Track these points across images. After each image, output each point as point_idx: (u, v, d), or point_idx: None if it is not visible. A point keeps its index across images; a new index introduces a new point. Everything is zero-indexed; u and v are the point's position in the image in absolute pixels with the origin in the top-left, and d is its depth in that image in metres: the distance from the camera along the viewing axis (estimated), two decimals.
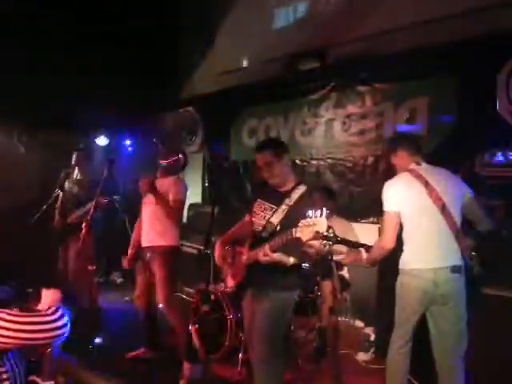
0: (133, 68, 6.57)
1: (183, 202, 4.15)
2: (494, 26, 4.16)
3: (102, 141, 6.66)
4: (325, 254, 3.89)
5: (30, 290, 6.00)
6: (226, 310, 4.33)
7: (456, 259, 3.04)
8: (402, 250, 3.21)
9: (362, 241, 4.80)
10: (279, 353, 2.98)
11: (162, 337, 4.40)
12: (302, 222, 2.53)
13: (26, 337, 1.93)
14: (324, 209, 2.53)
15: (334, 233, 3.34)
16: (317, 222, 2.50)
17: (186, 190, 4.20)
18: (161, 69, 7.34)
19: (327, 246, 4.05)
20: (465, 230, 3.13)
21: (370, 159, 5.47)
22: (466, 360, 3.09)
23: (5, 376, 1.89)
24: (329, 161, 5.86)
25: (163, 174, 4.21)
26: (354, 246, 3.60)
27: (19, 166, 6.77)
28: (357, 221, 5.21)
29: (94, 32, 6.10)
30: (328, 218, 2.48)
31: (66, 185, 5.30)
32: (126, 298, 5.98)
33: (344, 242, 3.47)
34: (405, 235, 3.18)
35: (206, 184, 7.50)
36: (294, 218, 2.75)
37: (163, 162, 4.18)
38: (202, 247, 5.60)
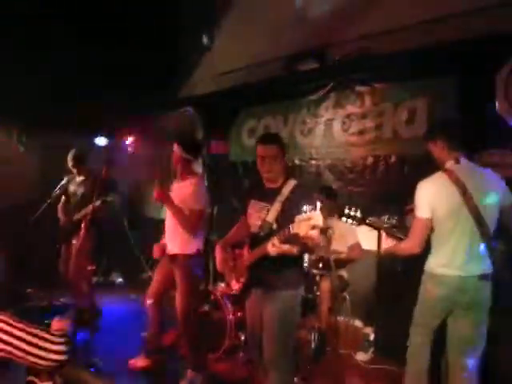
0: (132, 68, 6.56)
1: (202, 212, 3.87)
2: (493, 26, 4.15)
3: (101, 141, 6.66)
4: (323, 245, 3.95)
5: (30, 290, 6.04)
6: (226, 310, 4.34)
7: (485, 267, 2.95)
8: (429, 253, 3.14)
9: (363, 241, 4.83)
10: (291, 351, 2.99)
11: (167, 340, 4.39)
12: (298, 218, 2.55)
13: (26, 349, 1.84)
14: (318, 202, 2.56)
15: (358, 217, 3.40)
16: (312, 216, 2.52)
17: (205, 196, 3.95)
18: (160, 69, 7.34)
19: (329, 234, 4.11)
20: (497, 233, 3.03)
21: (370, 159, 5.47)
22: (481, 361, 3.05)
23: None
24: (328, 161, 5.86)
25: (181, 177, 4.00)
26: (376, 227, 3.52)
27: (19, 166, 6.77)
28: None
29: (94, 32, 6.10)
30: (325, 213, 2.50)
31: (71, 188, 5.32)
32: (133, 296, 5.89)
33: (368, 223, 3.46)
34: (435, 239, 3.08)
35: (206, 184, 7.50)
36: (288, 213, 2.80)
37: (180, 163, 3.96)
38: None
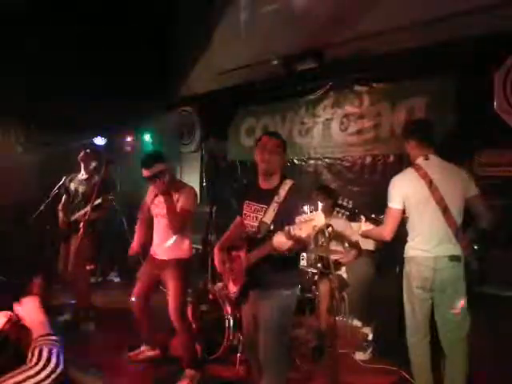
0: (131, 68, 6.56)
1: (191, 213, 3.94)
2: (491, 26, 4.16)
3: (99, 141, 6.65)
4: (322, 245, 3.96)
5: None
6: (224, 310, 4.34)
7: (454, 250, 3.26)
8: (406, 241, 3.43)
9: (361, 240, 4.83)
10: (285, 351, 3.00)
11: (161, 336, 4.39)
12: (299, 219, 2.51)
13: None
14: (319, 202, 2.53)
15: (349, 207, 3.50)
16: (313, 216, 2.49)
17: (195, 200, 4.02)
18: (159, 69, 7.34)
19: (328, 234, 4.11)
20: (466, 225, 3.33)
21: (368, 159, 5.48)
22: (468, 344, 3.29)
23: None
24: (326, 160, 5.87)
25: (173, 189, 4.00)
26: (369, 219, 3.68)
27: (18, 166, 6.76)
28: (354, 220, 5.20)
29: (93, 32, 6.09)
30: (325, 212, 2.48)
31: (72, 186, 5.31)
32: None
33: (357, 213, 3.70)
34: (410, 227, 3.41)
35: (204, 184, 7.51)
36: (285, 214, 2.79)
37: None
38: (199, 247, 5.60)
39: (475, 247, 3.35)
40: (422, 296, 3.32)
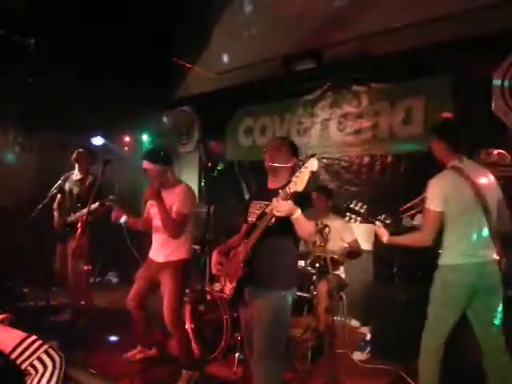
0: (129, 68, 6.56)
1: (187, 216, 3.88)
2: (489, 26, 4.17)
3: (97, 141, 6.64)
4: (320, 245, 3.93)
5: (26, 290, 6.01)
6: (222, 310, 4.33)
7: (494, 253, 3.13)
8: (443, 248, 3.22)
9: (359, 240, 4.84)
10: (279, 352, 2.95)
11: (158, 336, 4.39)
12: (294, 175, 2.56)
13: None
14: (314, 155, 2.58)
15: (362, 212, 3.37)
16: (308, 164, 2.53)
17: (193, 201, 3.99)
18: (157, 69, 7.33)
19: (325, 233, 4.10)
20: None
21: (366, 159, 5.48)
22: None
23: None
24: (324, 160, 5.87)
25: (166, 186, 3.96)
26: (381, 223, 3.42)
27: (16, 166, 6.76)
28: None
29: (93, 32, 6.08)
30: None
31: (67, 186, 5.29)
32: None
33: (371, 220, 3.43)
34: (452, 231, 3.18)
35: (202, 183, 7.51)
36: None
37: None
38: (197, 247, 5.59)
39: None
40: (463, 303, 3.13)
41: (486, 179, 3.21)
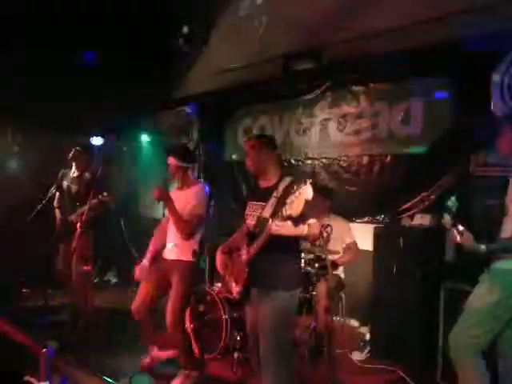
0: (129, 68, 6.56)
1: (201, 217, 3.83)
2: (488, 26, 4.17)
3: (96, 140, 6.63)
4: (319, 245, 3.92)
5: (26, 290, 6.01)
6: (222, 310, 4.34)
7: None
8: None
9: (358, 240, 4.84)
10: (286, 352, 2.95)
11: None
12: (290, 199, 2.58)
13: None
14: (307, 181, 2.58)
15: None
16: (302, 191, 2.54)
17: (206, 201, 3.93)
18: (157, 69, 7.33)
19: (325, 234, 4.09)
20: None
21: (365, 159, 5.48)
22: None
23: None
24: (324, 160, 5.87)
25: (181, 185, 3.95)
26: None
27: (16, 166, 6.76)
28: (351, 220, 5.22)
29: (93, 32, 6.08)
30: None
31: (64, 183, 5.29)
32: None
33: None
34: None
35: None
36: (283, 205, 2.76)
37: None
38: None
39: None
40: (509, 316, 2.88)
41: None
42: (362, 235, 4.94)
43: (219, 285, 4.77)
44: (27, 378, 2.02)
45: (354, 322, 5.35)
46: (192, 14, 7.32)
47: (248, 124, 6.90)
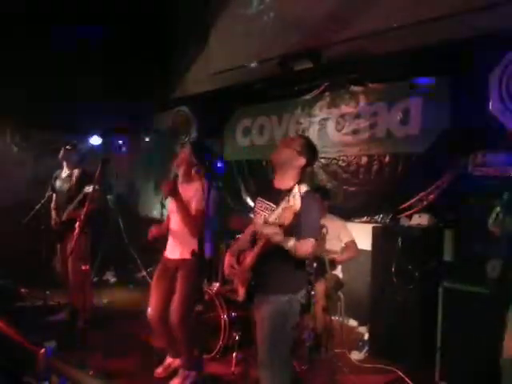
0: (128, 68, 6.57)
1: (204, 213, 3.65)
2: (486, 26, 4.17)
3: (95, 140, 6.64)
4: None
5: (24, 290, 6.00)
6: (220, 310, 4.34)
7: None
8: None
9: (357, 240, 4.84)
10: (283, 355, 2.92)
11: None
12: (280, 206, 2.59)
13: None
14: (297, 188, 2.58)
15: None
16: (292, 203, 2.54)
17: (210, 199, 3.62)
18: (155, 69, 7.34)
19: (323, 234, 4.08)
20: None
21: (364, 159, 5.49)
22: None
23: None
24: (322, 160, 5.87)
25: (184, 180, 3.91)
26: None
27: (13, 166, 6.75)
28: (350, 220, 5.22)
29: (93, 31, 6.09)
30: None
31: (57, 184, 5.30)
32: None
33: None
34: None
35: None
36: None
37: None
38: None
39: None
40: None
41: None
42: (361, 235, 4.94)
43: (217, 284, 4.78)
44: (26, 377, 2.02)
45: (353, 322, 5.36)
46: (192, 14, 7.33)
47: (247, 124, 6.90)
